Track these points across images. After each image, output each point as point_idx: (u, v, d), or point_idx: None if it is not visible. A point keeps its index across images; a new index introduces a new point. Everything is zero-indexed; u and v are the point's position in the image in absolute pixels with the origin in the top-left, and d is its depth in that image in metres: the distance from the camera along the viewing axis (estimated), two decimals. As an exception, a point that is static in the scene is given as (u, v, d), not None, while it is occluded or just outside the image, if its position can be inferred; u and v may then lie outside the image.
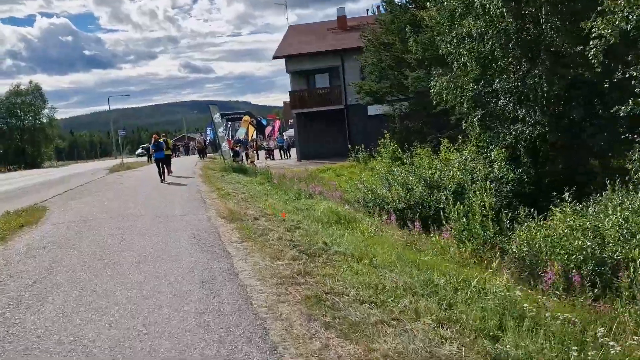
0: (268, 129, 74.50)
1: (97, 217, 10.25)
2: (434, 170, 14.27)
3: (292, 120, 79.20)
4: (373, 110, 31.40)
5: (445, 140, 16.66)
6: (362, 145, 26.79)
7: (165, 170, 18.75)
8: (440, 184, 13.57)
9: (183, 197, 12.47)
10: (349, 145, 31.69)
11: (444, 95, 15.40)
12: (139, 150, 60.53)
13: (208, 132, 60.00)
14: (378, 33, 23.74)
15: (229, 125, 48.63)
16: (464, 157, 14.89)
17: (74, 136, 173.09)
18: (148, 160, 37.50)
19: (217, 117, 24.03)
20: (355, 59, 31.36)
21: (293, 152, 36.72)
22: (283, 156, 37.07)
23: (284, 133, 69.59)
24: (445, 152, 16.46)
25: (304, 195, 14.05)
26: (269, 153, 38.34)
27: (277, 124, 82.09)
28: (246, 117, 47.41)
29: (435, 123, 21.62)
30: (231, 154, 24.97)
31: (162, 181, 17.71)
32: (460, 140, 16.64)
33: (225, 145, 24.56)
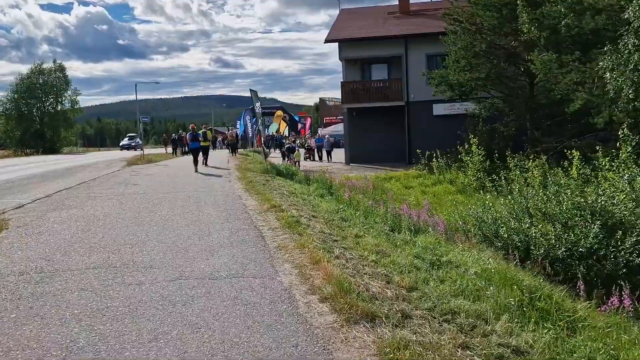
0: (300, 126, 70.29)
1: (68, 263, 5.58)
2: (607, 197, 9.24)
3: (330, 119, 74.78)
4: (440, 109, 26.44)
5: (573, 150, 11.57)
6: (426, 151, 21.89)
7: (200, 160, 19.13)
8: (627, 220, 8.58)
9: (224, 226, 7.71)
10: (408, 150, 26.84)
11: (612, 80, 10.34)
12: (125, 141, 55.23)
13: (238, 126, 55.58)
14: (468, 13, 18.70)
15: (257, 121, 44.19)
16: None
17: (101, 123, 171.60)
18: (174, 153, 33.19)
19: (258, 106, 19.39)
20: (419, 50, 26.49)
21: (335, 154, 31.83)
22: (325, 158, 32.11)
23: (319, 132, 64.97)
24: (582, 167, 11.40)
25: (407, 225, 9.18)
26: (309, 153, 33.59)
27: (309, 121, 77.79)
28: (279, 112, 42.82)
29: (551, 126, 16.53)
30: (271, 150, 20.25)
31: (196, 171, 17.65)
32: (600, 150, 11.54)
33: (268, 142, 19.90)
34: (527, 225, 9.17)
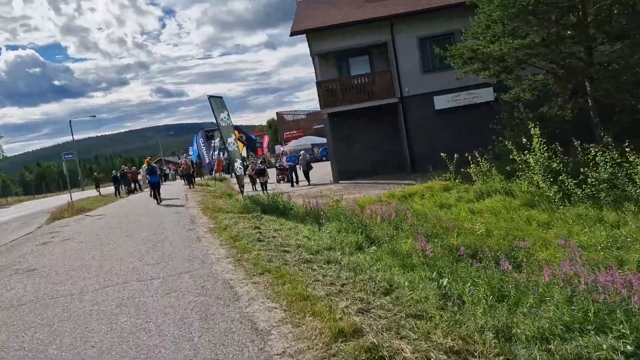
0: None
1: None
2: None
3: (290, 133, 69.13)
4: (442, 102, 21.49)
5: None
6: (437, 154, 16.80)
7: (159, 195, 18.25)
8: None
9: None
10: (410, 156, 21.69)
11: None
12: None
13: (190, 153, 49.08)
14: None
15: (212, 144, 38.27)
16: None
17: (41, 167, 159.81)
18: (116, 194, 26.82)
19: (223, 117, 13.72)
20: (410, 32, 21.50)
21: (312, 172, 25.58)
22: (296, 179, 25.07)
23: (282, 148, 59.46)
24: None
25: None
26: (283, 174, 27.86)
27: (266, 139, 72.23)
28: (235, 132, 37.09)
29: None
30: (236, 175, 14.55)
31: (158, 203, 17.40)
32: None
33: (239, 167, 14.22)
34: None
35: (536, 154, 12.57)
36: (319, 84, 22.26)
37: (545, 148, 12.50)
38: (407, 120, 21.78)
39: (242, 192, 14.29)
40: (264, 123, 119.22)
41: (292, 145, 55.16)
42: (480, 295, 4.98)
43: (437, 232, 10.00)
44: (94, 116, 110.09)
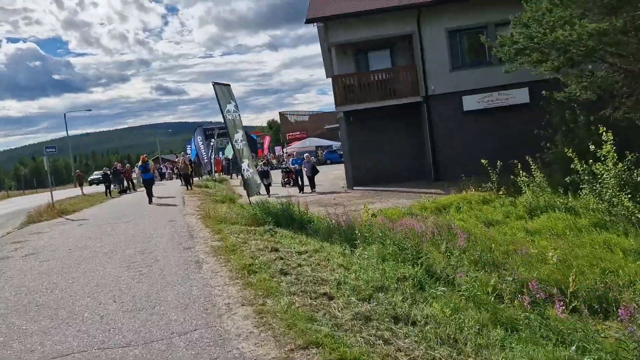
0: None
1: None
2: None
3: (293, 134, 66.66)
4: (472, 102, 19.27)
5: None
6: (469, 161, 14.59)
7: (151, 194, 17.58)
8: None
9: None
10: (433, 161, 19.47)
11: None
12: (96, 175, 46.94)
13: (188, 151, 46.82)
14: None
15: (212, 143, 35.97)
16: None
17: (36, 162, 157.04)
18: (107, 193, 24.48)
19: (231, 108, 11.44)
20: (438, 24, 19.27)
21: (318, 178, 22.82)
22: (299, 184, 22.57)
23: (285, 150, 57.22)
24: None
25: None
26: (289, 177, 25.56)
27: (267, 140, 70.02)
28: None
29: None
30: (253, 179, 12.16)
31: (150, 202, 16.86)
32: None
33: (248, 168, 11.92)
34: None
35: (607, 164, 10.33)
36: (335, 79, 20.02)
37: (616, 157, 10.28)
38: (432, 121, 19.54)
39: (249, 196, 12.00)
40: (264, 124, 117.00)
41: (296, 147, 52.90)
42: None
43: (499, 260, 7.78)
44: (90, 110, 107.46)
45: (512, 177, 13.20)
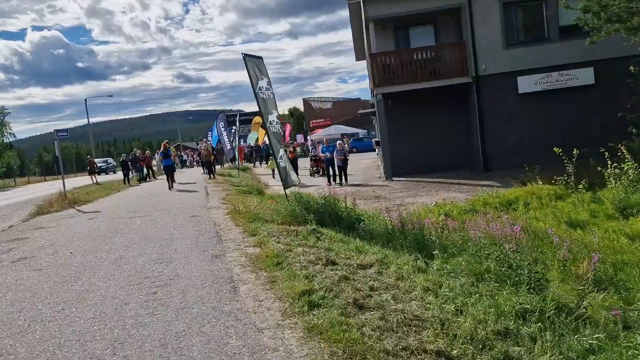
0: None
1: None
2: None
3: (317, 121, 64.65)
4: (528, 84, 17.18)
5: None
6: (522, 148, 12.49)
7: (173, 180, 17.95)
8: None
9: None
10: (483, 150, 17.46)
11: None
12: (100, 164, 41.81)
13: (210, 138, 45.18)
14: None
15: (233, 130, 34.18)
16: None
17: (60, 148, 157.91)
18: (125, 181, 23.03)
19: (263, 85, 9.63)
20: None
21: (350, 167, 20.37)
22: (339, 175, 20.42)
23: (310, 138, 55.39)
24: None
25: None
26: (318, 165, 23.72)
27: (288, 127, 68.22)
28: (257, 119, 33.04)
29: None
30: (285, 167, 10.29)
31: (170, 188, 17.07)
32: None
33: (282, 155, 10.10)
34: None
35: None
36: (373, 57, 18.05)
37: None
38: (482, 105, 17.47)
39: (285, 188, 10.23)
40: (285, 112, 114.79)
41: (320, 134, 50.99)
42: None
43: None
44: (111, 95, 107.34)
45: (583, 168, 11.20)
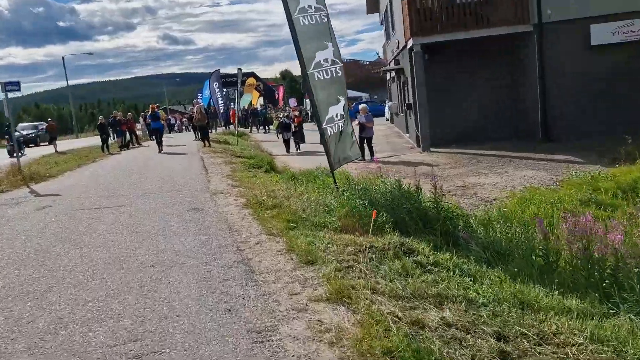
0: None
1: None
2: None
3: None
4: (604, 33, 13.78)
5: None
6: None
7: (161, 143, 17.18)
8: None
9: None
10: (542, 114, 14.23)
11: None
12: (23, 130, 26.73)
13: (200, 99, 40.84)
14: None
15: (224, 92, 30.33)
16: None
17: (40, 109, 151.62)
18: (103, 148, 19.48)
19: (307, 2, 6.11)
20: None
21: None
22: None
23: (307, 101, 51.63)
24: None
25: None
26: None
27: (281, 90, 64.65)
28: (251, 80, 29.37)
29: None
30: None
31: (160, 152, 16.25)
32: None
33: (338, 114, 6.67)
34: None
35: None
36: (410, 2, 14.45)
37: None
38: (545, 60, 14.09)
39: (333, 168, 6.91)
40: (275, 75, 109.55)
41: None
42: None
43: None
44: (91, 53, 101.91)
45: None
